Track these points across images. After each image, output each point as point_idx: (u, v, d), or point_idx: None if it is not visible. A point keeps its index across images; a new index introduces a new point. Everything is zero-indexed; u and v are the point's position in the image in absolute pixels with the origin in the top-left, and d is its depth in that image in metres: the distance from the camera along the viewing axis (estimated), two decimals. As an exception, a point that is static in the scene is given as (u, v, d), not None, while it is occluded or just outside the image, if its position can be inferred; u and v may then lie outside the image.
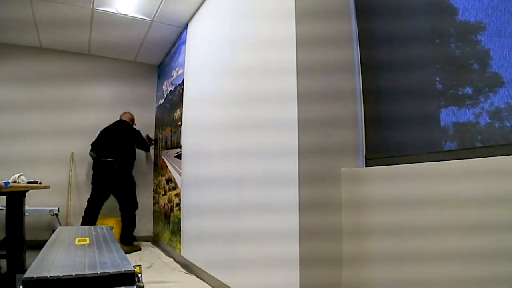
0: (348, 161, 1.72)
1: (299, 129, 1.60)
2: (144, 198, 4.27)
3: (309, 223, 1.56)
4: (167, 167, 3.83)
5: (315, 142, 1.64)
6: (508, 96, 1.17)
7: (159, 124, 4.37)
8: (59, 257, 1.37)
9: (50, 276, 1.12)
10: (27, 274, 1.12)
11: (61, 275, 1.13)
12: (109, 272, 1.16)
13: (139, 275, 1.25)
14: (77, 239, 1.72)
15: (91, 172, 3.80)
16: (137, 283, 1.18)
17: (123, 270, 1.17)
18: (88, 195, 3.71)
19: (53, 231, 3.44)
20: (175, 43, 3.91)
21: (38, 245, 3.73)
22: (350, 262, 1.59)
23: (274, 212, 1.73)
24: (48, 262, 1.28)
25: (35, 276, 1.11)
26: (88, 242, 1.67)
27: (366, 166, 1.75)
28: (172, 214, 3.51)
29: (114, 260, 1.30)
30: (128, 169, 3.79)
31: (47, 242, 1.64)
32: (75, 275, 1.14)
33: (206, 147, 2.69)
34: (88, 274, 1.15)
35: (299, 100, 1.62)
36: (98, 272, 1.15)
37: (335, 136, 1.72)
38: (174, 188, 3.49)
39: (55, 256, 1.38)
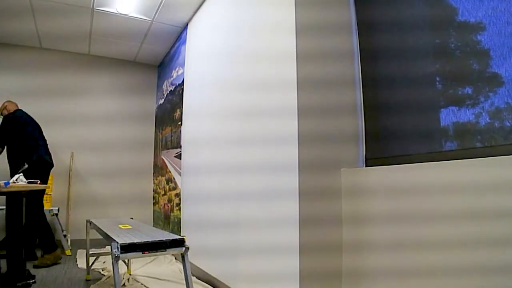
0: (348, 162, 1.72)
1: (300, 137, 1.61)
2: (144, 198, 4.28)
3: (310, 235, 1.56)
4: (167, 167, 3.83)
5: (316, 150, 1.64)
6: (508, 96, 1.17)
7: (159, 124, 4.37)
8: (126, 234, 1.91)
9: (137, 241, 1.71)
10: (121, 241, 1.67)
11: (142, 241, 1.72)
12: (169, 239, 1.80)
13: (185, 241, 1.84)
14: (120, 225, 2.25)
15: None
16: (185, 245, 1.82)
17: (177, 238, 1.83)
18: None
19: (63, 230, 3.43)
20: (175, 43, 3.91)
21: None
22: (351, 274, 1.59)
23: (275, 223, 1.73)
24: (124, 236, 1.85)
25: (127, 242, 1.68)
26: (130, 227, 2.20)
27: (366, 166, 1.75)
28: (172, 214, 3.51)
29: (164, 233, 1.98)
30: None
31: (102, 229, 2.08)
32: (151, 240, 1.75)
33: (206, 147, 2.69)
34: (158, 240, 1.77)
35: (299, 99, 1.62)
36: (163, 239, 1.80)
37: (336, 137, 1.72)
38: (174, 188, 3.49)
39: (123, 234, 1.91)
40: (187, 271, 1.81)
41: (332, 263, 1.60)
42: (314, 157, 1.63)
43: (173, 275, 2.66)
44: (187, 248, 1.82)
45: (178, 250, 1.81)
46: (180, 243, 1.82)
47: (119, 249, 1.64)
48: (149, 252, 1.73)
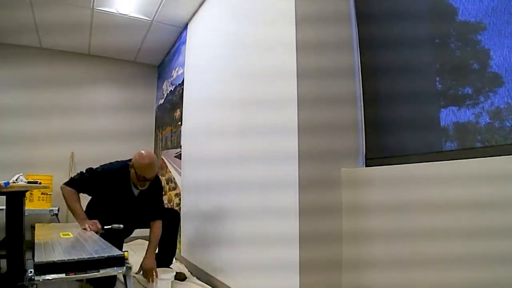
0: (348, 161, 1.72)
1: (299, 130, 1.60)
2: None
3: (309, 226, 1.56)
4: (167, 167, 3.83)
5: (316, 142, 1.64)
6: (508, 96, 1.17)
7: (159, 124, 4.37)
8: (56, 247, 1.54)
9: (57, 260, 1.29)
10: (37, 259, 1.27)
11: (65, 259, 1.31)
12: (104, 256, 1.39)
13: (127, 259, 1.45)
14: (61, 233, 1.85)
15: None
16: (126, 264, 1.42)
17: (115, 254, 1.42)
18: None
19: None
20: (175, 43, 3.91)
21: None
22: (350, 265, 1.59)
23: (274, 215, 1.73)
24: (49, 251, 1.45)
25: (45, 261, 1.27)
26: (71, 235, 1.80)
27: (366, 166, 1.75)
28: (172, 214, 3.50)
29: (105, 248, 1.53)
30: None
31: (36, 238, 1.74)
32: (78, 258, 1.34)
33: (206, 147, 2.69)
34: (87, 258, 1.36)
35: (299, 102, 1.62)
36: (95, 256, 1.38)
37: (336, 136, 1.71)
38: (174, 188, 3.49)
39: (53, 246, 1.54)
40: None
41: (332, 254, 1.61)
42: (314, 150, 1.63)
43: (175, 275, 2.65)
44: (129, 268, 1.44)
45: (115, 270, 1.41)
46: (119, 261, 1.42)
47: (33, 271, 1.23)
48: (75, 274, 1.33)
